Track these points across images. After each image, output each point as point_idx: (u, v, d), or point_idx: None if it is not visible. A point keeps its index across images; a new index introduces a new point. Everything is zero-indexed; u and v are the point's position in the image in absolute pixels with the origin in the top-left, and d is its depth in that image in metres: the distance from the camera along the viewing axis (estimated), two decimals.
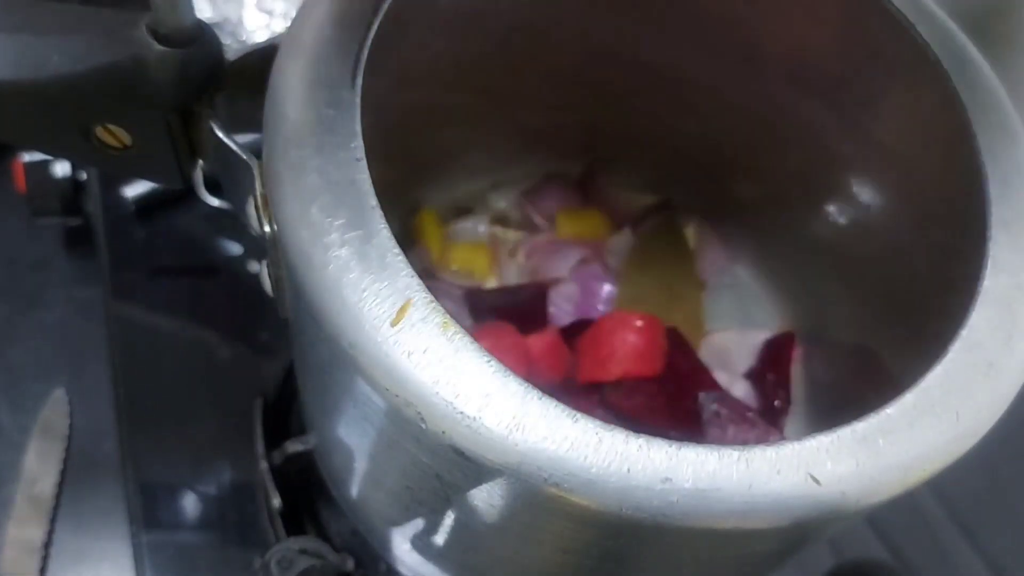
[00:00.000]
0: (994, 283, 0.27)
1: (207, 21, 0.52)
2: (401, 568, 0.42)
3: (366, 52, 0.28)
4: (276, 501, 0.43)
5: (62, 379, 0.44)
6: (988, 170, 0.29)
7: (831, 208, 0.40)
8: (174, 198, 0.48)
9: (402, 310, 0.24)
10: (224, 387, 0.46)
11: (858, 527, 0.45)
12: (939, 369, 0.26)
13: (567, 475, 0.23)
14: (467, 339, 0.24)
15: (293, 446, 0.44)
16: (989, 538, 0.45)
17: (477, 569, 0.38)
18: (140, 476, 0.42)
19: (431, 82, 0.37)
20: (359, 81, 0.28)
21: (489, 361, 0.24)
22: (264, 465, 0.43)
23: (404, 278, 0.25)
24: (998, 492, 0.46)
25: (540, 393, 0.24)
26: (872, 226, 0.37)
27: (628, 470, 0.23)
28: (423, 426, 0.24)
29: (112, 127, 0.29)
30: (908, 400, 0.25)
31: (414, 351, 0.24)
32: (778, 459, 0.23)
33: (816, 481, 0.23)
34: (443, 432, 0.24)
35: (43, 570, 0.39)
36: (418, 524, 0.36)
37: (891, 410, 0.25)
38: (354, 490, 0.38)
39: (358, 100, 0.28)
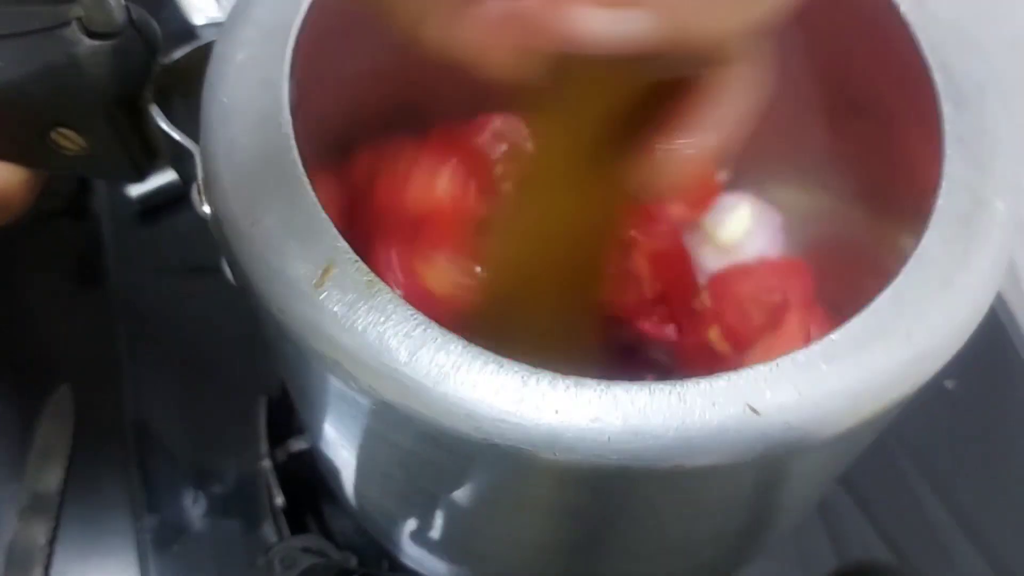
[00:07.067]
0: (949, 201, 0.26)
1: (213, 21, 0.53)
2: (404, 560, 0.42)
3: (295, 31, 0.29)
4: (279, 499, 0.43)
5: (67, 376, 0.44)
6: (940, 86, 0.28)
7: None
8: (178, 197, 0.48)
9: (325, 271, 0.24)
10: (228, 385, 0.46)
11: (860, 527, 0.44)
12: (889, 291, 0.24)
13: (495, 421, 0.22)
14: (391, 294, 0.24)
15: (296, 444, 0.45)
16: (992, 539, 0.43)
17: (474, 551, 0.38)
18: (144, 473, 0.43)
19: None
20: (287, 57, 0.28)
21: (414, 314, 0.24)
22: (267, 463, 0.44)
23: (328, 240, 0.25)
24: (1001, 492, 0.45)
25: (465, 342, 0.23)
26: (824, 146, 0.35)
27: (556, 411, 0.22)
28: (353, 384, 0.24)
29: (64, 130, 0.30)
30: (854, 325, 0.24)
31: (339, 310, 0.24)
32: (713, 391, 0.22)
33: (755, 411, 0.22)
34: (372, 387, 0.23)
35: (48, 566, 0.40)
36: (402, 509, 0.36)
37: (836, 336, 0.24)
38: (344, 482, 0.38)
39: (286, 77, 0.28)
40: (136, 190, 0.49)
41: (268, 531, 0.42)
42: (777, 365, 0.23)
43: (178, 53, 0.31)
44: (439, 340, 0.23)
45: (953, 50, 0.29)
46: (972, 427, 0.45)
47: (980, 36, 0.30)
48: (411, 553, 0.40)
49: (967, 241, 0.25)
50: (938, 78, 0.28)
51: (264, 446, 0.44)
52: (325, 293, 0.24)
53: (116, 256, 0.48)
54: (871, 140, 0.33)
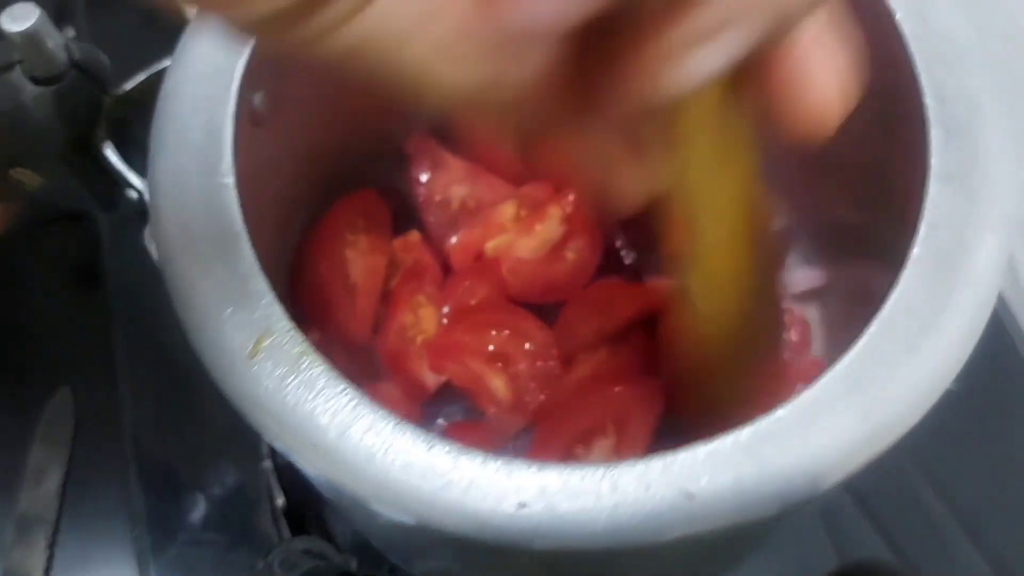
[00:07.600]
0: (927, 248, 0.24)
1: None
2: (404, 566, 0.42)
3: (240, 72, 0.28)
4: (280, 501, 0.43)
5: (67, 378, 0.45)
6: (930, 112, 0.26)
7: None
8: None
9: (259, 342, 0.24)
10: None
11: (860, 527, 0.43)
12: (847, 359, 0.23)
13: (423, 504, 0.22)
14: (323, 367, 0.23)
15: None
16: (993, 539, 0.42)
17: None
18: (144, 475, 0.43)
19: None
20: (232, 99, 0.27)
21: (344, 390, 0.23)
22: (268, 464, 0.44)
23: (263, 307, 0.24)
24: (1003, 492, 0.43)
25: (396, 420, 0.23)
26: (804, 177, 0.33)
27: (484, 496, 0.22)
28: (292, 455, 0.24)
29: (21, 169, 0.30)
30: (805, 399, 0.22)
31: (270, 384, 0.23)
32: (647, 475, 0.22)
33: (690, 496, 0.21)
34: (308, 462, 0.23)
35: (48, 569, 0.41)
36: (380, 541, 0.36)
37: (783, 412, 0.22)
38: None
39: (230, 121, 0.27)
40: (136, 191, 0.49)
41: (268, 533, 0.43)
42: (716, 447, 0.22)
43: (130, 84, 0.30)
44: (369, 419, 0.23)
45: (947, 70, 0.26)
46: (973, 426, 0.43)
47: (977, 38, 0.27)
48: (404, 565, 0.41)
49: (945, 294, 0.23)
50: (930, 101, 0.26)
51: (264, 447, 0.44)
52: (257, 366, 0.24)
53: (115, 258, 0.48)
54: (852, 169, 0.31)
